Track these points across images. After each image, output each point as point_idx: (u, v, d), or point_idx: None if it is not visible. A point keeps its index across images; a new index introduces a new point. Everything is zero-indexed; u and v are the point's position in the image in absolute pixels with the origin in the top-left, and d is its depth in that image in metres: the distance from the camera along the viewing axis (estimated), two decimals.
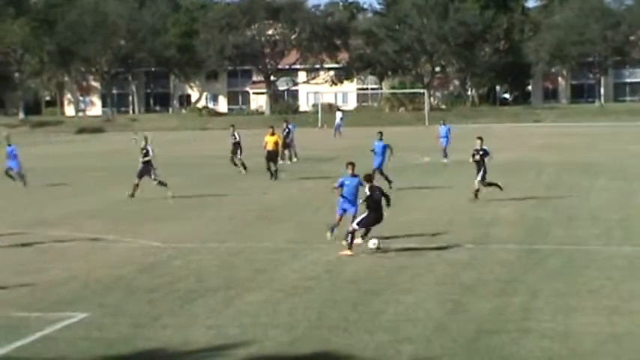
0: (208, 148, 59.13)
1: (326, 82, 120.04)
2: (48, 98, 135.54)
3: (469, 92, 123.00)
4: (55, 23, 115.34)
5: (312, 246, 21.06)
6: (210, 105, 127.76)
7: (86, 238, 22.96)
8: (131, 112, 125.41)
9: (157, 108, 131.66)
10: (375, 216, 20.14)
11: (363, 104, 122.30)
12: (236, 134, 40.86)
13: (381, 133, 34.71)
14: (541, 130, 79.28)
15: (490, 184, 28.67)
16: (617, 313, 14.53)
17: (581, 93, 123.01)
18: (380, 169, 32.70)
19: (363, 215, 20.23)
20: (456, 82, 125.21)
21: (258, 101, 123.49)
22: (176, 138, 79.42)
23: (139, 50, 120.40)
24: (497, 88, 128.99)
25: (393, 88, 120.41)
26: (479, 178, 28.45)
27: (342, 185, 21.28)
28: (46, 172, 42.99)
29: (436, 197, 30.50)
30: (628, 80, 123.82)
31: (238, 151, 40.53)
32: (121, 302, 15.91)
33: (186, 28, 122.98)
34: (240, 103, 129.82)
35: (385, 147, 33.54)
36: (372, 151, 33.81)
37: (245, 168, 40.03)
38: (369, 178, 21.01)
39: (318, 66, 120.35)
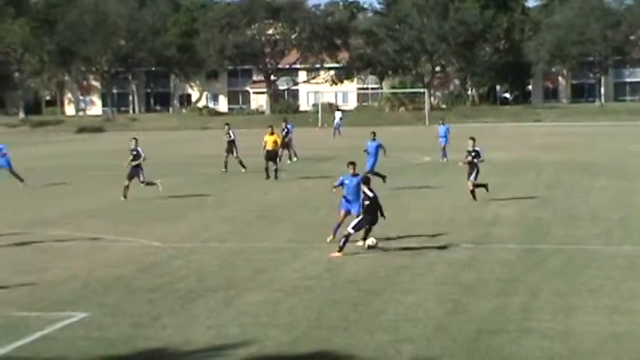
0: (208, 148, 59.08)
1: (326, 81, 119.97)
2: (48, 98, 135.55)
3: (469, 92, 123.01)
4: (55, 23, 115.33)
5: (312, 246, 21.05)
6: (211, 104, 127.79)
7: (86, 238, 22.95)
8: (131, 111, 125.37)
9: (158, 107, 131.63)
10: (370, 218, 20.08)
11: (364, 104, 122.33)
12: (231, 133, 41.10)
13: (374, 133, 34.68)
14: (541, 130, 79.27)
15: (478, 185, 28.54)
16: (617, 313, 14.52)
17: (582, 92, 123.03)
18: (372, 170, 32.37)
19: (359, 219, 20.18)
20: (457, 82, 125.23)
21: (259, 101, 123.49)
22: (176, 137, 79.39)
23: (139, 50, 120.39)
24: (498, 87, 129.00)
25: (393, 87, 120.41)
26: (471, 178, 28.37)
27: (342, 184, 21.27)
28: (46, 172, 43.03)
29: (436, 197, 30.46)
30: (628, 80, 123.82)
31: (234, 150, 40.70)
32: (121, 302, 15.90)
33: (186, 27, 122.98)
34: (240, 102, 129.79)
35: (378, 147, 33.48)
36: (365, 151, 33.73)
37: (244, 166, 40.10)
38: (367, 181, 20.94)
39: (318, 65, 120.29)
